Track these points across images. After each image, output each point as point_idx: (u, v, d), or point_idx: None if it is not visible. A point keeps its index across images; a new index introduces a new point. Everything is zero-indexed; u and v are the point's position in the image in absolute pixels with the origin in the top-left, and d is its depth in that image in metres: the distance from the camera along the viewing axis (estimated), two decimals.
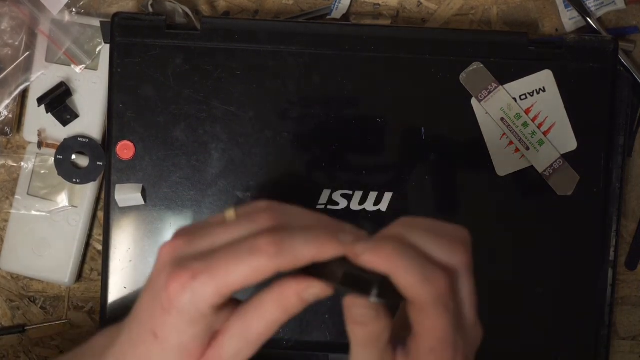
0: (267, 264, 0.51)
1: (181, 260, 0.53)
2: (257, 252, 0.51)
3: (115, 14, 0.83)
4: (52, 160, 0.89)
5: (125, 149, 0.83)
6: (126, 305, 0.83)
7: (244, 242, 0.53)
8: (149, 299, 0.55)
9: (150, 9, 0.85)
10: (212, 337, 0.55)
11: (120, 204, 0.83)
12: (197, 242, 0.55)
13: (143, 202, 0.83)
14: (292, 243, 0.52)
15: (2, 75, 0.88)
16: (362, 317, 0.53)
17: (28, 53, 0.89)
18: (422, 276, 0.52)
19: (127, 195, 0.82)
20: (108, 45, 0.85)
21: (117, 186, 0.83)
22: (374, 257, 0.52)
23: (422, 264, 0.52)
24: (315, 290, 0.53)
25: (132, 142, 0.83)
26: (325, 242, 0.52)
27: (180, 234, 0.56)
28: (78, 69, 0.89)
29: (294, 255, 0.52)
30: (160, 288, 0.53)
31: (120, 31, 0.83)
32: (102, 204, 0.91)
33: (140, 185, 0.83)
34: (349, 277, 0.53)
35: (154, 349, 0.55)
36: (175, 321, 0.53)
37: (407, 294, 0.52)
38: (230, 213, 0.56)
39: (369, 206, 0.83)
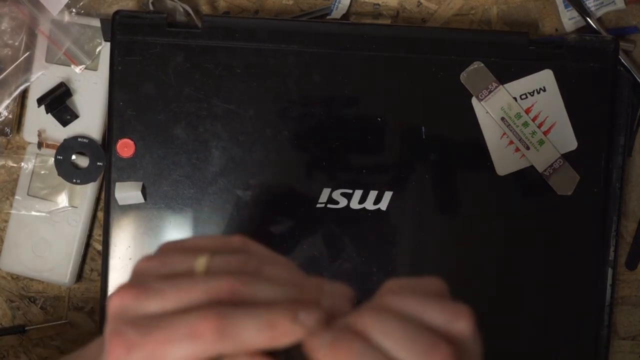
0: (206, 349, 0.47)
1: (124, 320, 0.49)
2: (196, 337, 0.47)
3: (116, 12, 0.83)
4: (52, 160, 0.89)
5: (125, 147, 0.83)
6: None
7: (185, 320, 0.48)
8: (107, 342, 0.50)
9: (151, 7, 0.86)
10: None
11: (120, 202, 0.83)
12: (144, 302, 0.50)
13: (143, 200, 0.83)
14: (240, 327, 0.47)
15: (2, 76, 0.88)
16: None
17: (28, 53, 0.89)
18: None
19: (127, 193, 0.82)
20: (108, 45, 0.85)
21: (117, 184, 0.83)
22: (332, 357, 0.47)
23: None
24: None
25: (132, 140, 0.83)
26: (280, 328, 0.47)
27: (128, 287, 0.51)
28: (78, 69, 0.89)
29: (240, 341, 0.47)
30: (108, 344, 0.49)
31: (120, 29, 0.83)
32: (102, 204, 0.91)
33: (140, 184, 0.83)
34: None
35: None
36: None
37: None
38: (201, 262, 0.51)
39: (369, 205, 0.83)
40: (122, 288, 0.51)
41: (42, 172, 0.89)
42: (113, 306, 0.50)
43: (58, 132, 0.89)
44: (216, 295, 0.49)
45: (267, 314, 0.47)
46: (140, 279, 0.52)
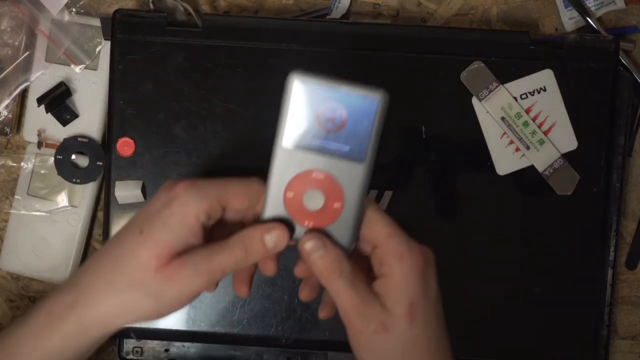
0: None
1: None
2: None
3: (117, 11, 0.84)
4: (52, 160, 0.88)
5: (125, 146, 0.83)
6: None
7: None
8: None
9: (152, 6, 0.85)
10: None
11: (120, 201, 0.83)
12: None
13: (143, 199, 0.83)
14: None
15: (2, 75, 0.88)
16: (315, 250, 0.59)
17: (28, 53, 0.89)
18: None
19: (127, 192, 0.82)
20: (108, 45, 0.85)
21: (117, 183, 0.83)
22: None
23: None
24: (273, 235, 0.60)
25: (132, 138, 0.83)
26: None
27: None
28: (78, 69, 0.89)
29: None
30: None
31: (121, 28, 0.83)
32: (102, 203, 0.91)
33: (140, 182, 0.83)
34: None
35: None
36: None
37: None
38: None
39: None
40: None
41: (42, 171, 0.89)
42: None
43: (58, 132, 0.89)
44: None
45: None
46: None
